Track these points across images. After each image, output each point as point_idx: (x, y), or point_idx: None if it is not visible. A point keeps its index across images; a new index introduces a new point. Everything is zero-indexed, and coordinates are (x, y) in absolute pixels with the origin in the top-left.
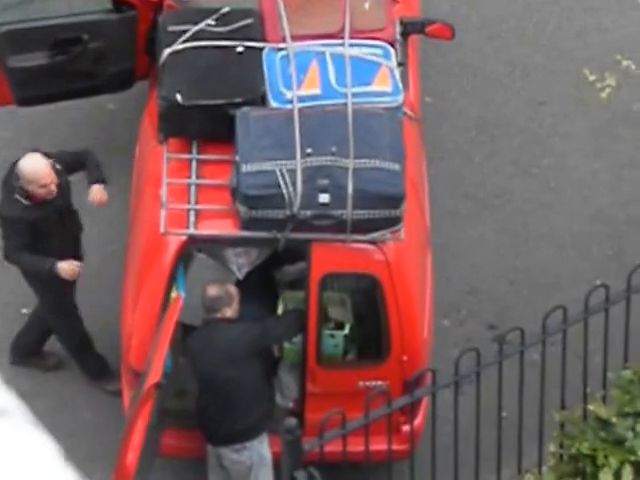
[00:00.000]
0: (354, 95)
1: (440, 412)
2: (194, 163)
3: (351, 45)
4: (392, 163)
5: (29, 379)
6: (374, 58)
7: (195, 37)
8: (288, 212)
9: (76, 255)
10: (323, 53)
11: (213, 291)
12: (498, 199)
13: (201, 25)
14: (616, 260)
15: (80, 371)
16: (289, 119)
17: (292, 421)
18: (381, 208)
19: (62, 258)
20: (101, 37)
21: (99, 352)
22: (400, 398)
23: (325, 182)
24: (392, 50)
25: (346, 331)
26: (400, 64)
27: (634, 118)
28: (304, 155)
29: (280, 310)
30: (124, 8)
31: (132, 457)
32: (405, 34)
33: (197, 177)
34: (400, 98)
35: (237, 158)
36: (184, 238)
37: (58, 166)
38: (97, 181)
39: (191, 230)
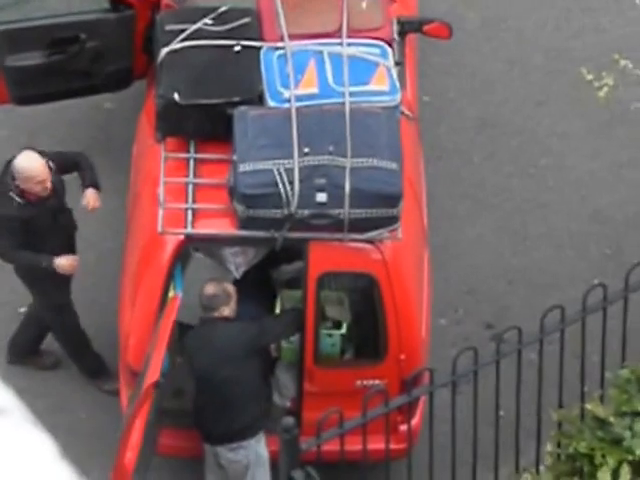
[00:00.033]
0: (352, 94)
1: (438, 411)
2: (191, 162)
3: (349, 44)
4: (389, 162)
5: (27, 378)
6: (372, 57)
7: (193, 36)
8: (285, 211)
9: (70, 254)
10: (321, 52)
11: (211, 289)
12: (496, 199)
13: (199, 24)
14: (614, 259)
15: (77, 370)
16: (287, 118)
17: (290, 420)
18: (378, 207)
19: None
20: (99, 36)
21: (96, 351)
22: (398, 397)
23: (322, 181)
24: (389, 49)
25: (343, 330)
26: (397, 63)
27: (632, 118)
28: (301, 154)
29: (278, 309)
30: (122, 7)
31: (130, 456)
32: (403, 33)
33: (194, 176)
34: (397, 97)
35: (234, 157)
36: (181, 237)
37: (51, 165)
38: (91, 185)
39: (188, 229)
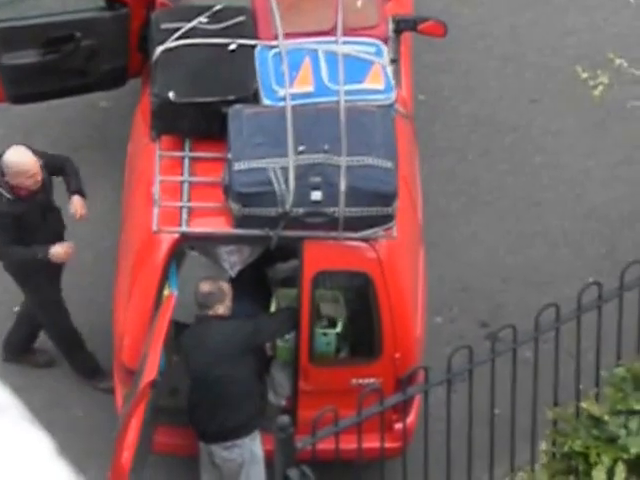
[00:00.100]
0: (347, 93)
1: (433, 410)
2: (186, 161)
3: (344, 43)
4: (385, 160)
5: (23, 376)
6: (367, 56)
7: (188, 35)
8: (280, 210)
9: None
10: (316, 51)
11: (206, 287)
12: (491, 197)
13: (194, 23)
14: (609, 258)
15: (70, 368)
16: (282, 117)
17: (285, 419)
18: (373, 206)
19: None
20: (94, 35)
21: (90, 350)
22: (393, 396)
23: (317, 180)
24: (385, 47)
25: (339, 329)
26: (393, 61)
27: (627, 116)
28: (296, 153)
29: (273, 308)
30: (117, 6)
31: (127, 455)
32: (398, 31)
33: (189, 175)
34: (392, 96)
35: (229, 156)
36: (176, 236)
37: (40, 162)
38: (77, 192)
39: (183, 228)
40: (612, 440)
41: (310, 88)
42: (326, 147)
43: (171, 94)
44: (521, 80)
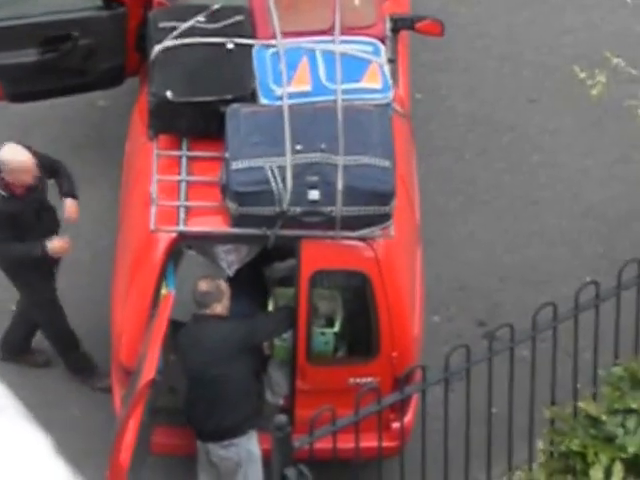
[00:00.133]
0: (344, 92)
1: (430, 409)
2: (184, 160)
3: (341, 42)
4: (382, 160)
5: (21, 375)
6: (364, 55)
7: (185, 34)
8: (278, 209)
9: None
10: (313, 50)
11: (204, 286)
12: (488, 196)
13: (191, 22)
14: (606, 257)
15: (65, 367)
16: (279, 116)
17: (282, 418)
18: (371, 205)
19: (41, 257)
20: (91, 34)
21: (86, 350)
22: (390, 395)
23: (315, 179)
24: (382, 47)
25: (336, 329)
26: (390, 60)
27: (624, 115)
28: (294, 152)
29: (271, 307)
30: (114, 5)
31: (125, 455)
32: (395, 30)
33: (187, 174)
34: (390, 95)
35: (227, 155)
36: (174, 235)
37: (35, 160)
38: (69, 195)
39: (181, 227)
40: (610, 439)
41: (307, 87)
42: (323, 146)
43: (169, 93)
44: (518, 79)
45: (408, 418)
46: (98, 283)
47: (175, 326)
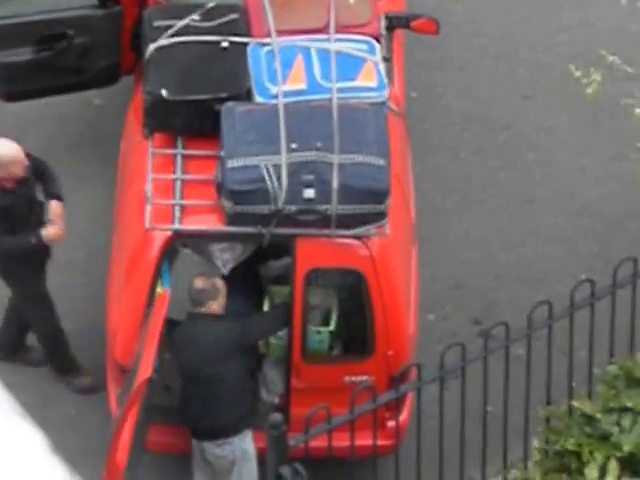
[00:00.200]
0: (339, 90)
1: (425, 407)
2: (179, 158)
3: (336, 40)
4: (377, 158)
5: (17, 374)
6: (359, 53)
7: (180, 32)
8: (273, 207)
9: (46, 248)
10: (308, 48)
11: (200, 283)
12: (484, 194)
13: (186, 20)
14: (602, 255)
15: (50, 365)
16: (274, 114)
17: (277, 417)
18: (366, 203)
19: (33, 250)
20: (87, 32)
21: (73, 353)
22: (385, 393)
23: (310, 177)
24: (377, 45)
25: (332, 327)
26: (385, 59)
27: (619, 113)
28: (289, 150)
29: (266, 305)
30: (109, 4)
31: (122, 454)
32: (390, 29)
33: (182, 172)
34: (385, 93)
35: (222, 153)
36: (169, 233)
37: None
38: (54, 196)
39: (176, 225)
40: (605, 438)
41: (303, 86)
42: (319, 145)
43: (164, 92)
44: (514, 77)
45: (403, 417)
46: (93, 282)
47: (170, 324)
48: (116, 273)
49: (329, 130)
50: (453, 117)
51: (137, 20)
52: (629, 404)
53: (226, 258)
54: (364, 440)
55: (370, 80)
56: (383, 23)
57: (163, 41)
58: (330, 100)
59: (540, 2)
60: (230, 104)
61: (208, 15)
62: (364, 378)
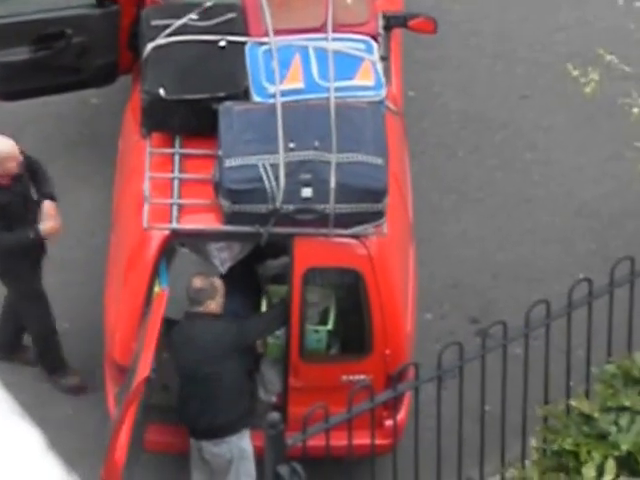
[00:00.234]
0: (337, 89)
1: (423, 406)
2: (177, 157)
3: (334, 39)
4: (375, 157)
5: (15, 374)
6: (357, 52)
7: (178, 31)
8: (271, 206)
9: (42, 245)
10: (306, 47)
11: (198, 283)
12: (481, 193)
13: (184, 20)
14: (599, 254)
15: (39, 364)
16: (272, 113)
17: (275, 416)
18: (364, 202)
19: (31, 245)
20: (84, 32)
21: (64, 354)
22: (383, 392)
23: (308, 176)
24: (375, 44)
25: (329, 326)
26: (383, 58)
27: (617, 112)
28: (287, 149)
29: (264, 305)
30: (107, 3)
31: (120, 454)
32: (388, 28)
33: (180, 171)
34: (383, 92)
35: (220, 152)
36: (167, 232)
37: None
38: (48, 197)
39: (174, 224)
40: (602, 437)
41: (300, 85)
42: (316, 144)
43: (161, 91)
44: (511, 77)
45: (401, 416)
46: (91, 281)
47: (168, 324)
48: (114, 272)
49: (327, 129)
50: (451, 116)
51: (135, 19)
52: (627, 403)
53: (224, 257)
54: (362, 439)
55: (368, 79)
56: (381, 22)
57: (161, 40)
58: (328, 99)
59: (538, 1)
60: (228, 103)
61: (206, 14)
62: (362, 377)
